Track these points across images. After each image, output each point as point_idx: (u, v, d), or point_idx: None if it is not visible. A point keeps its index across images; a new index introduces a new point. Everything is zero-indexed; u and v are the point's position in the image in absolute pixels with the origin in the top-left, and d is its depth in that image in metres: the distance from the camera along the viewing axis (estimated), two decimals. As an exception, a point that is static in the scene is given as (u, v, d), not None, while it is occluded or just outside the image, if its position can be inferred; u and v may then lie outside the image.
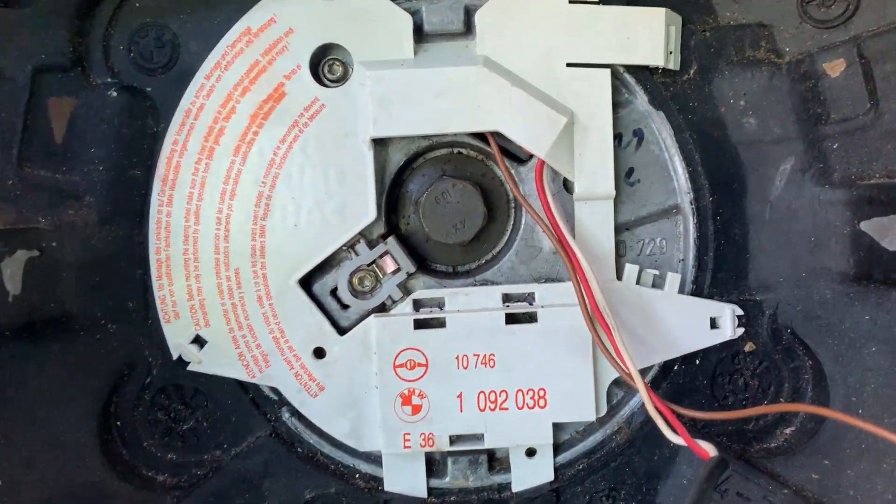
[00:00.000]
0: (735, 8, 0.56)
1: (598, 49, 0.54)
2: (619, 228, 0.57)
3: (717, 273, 0.57)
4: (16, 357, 0.52)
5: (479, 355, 0.55)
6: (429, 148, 0.58)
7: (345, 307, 0.58)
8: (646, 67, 0.55)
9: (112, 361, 0.56)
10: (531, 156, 0.57)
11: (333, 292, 0.58)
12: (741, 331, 0.56)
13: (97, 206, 0.55)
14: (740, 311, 0.56)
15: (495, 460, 0.60)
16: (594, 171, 0.55)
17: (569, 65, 0.54)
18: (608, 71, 0.54)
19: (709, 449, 0.48)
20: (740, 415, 0.53)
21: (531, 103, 0.53)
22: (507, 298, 0.57)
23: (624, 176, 0.57)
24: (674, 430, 0.50)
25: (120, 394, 0.57)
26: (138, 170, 0.55)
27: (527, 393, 0.56)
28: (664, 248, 0.58)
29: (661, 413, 0.51)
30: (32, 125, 0.53)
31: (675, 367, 0.57)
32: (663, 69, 0.55)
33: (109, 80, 0.55)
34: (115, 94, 0.55)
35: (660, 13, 0.54)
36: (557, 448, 0.59)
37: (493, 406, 0.56)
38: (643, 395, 0.51)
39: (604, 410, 0.57)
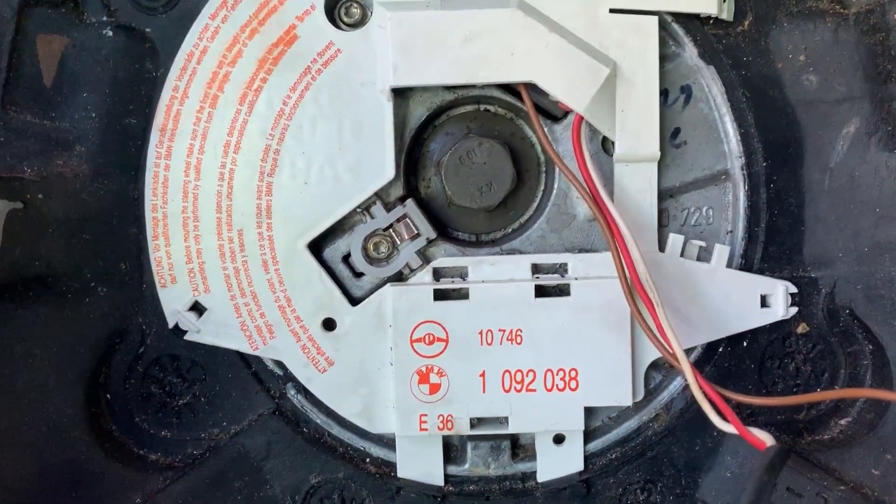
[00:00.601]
0: (797, -47, 0.50)
1: (644, -7, 0.49)
2: (663, 195, 0.52)
3: (769, 246, 0.52)
4: (-4, 320, 0.48)
5: (504, 331, 0.51)
6: (453, 103, 0.53)
7: (358, 275, 0.53)
8: (696, 16, 0.50)
9: (102, 328, 0.52)
10: (567, 113, 0.52)
11: (346, 258, 0.53)
12: (794, 310, 0.51)
13: (88, 156, 0.50)
14: (794, 289, 0.51)
15: (519, 447, 0.55)
16: (637, 130, 0.50)
17: (612, 10, 0.49)
18: (655, 18, 0.49)
19: (765, 438, 0.43)
20: (797, 401, 0.48)
21: (570, 52, 0.48)
22: (536, 269, 0.52)
23: (669, 136, 0.52)
24: (723, 417, 0.45)
25: (110, 364, 0.52)
26: (135, 118, 0.50)
27: (557, 373, 0.51)
28: (711, 217, 0.53)
29: (708, 398, 0.46)
30: (18, 65, 0.48)
31: (721, 349, 0.53)
32: (715, 19, 0.50)
33: (105, 18, 0.50)
34: (110, 33, 0.50)
35: (714, -45, 0.48)
36: (588, 435, 0.54)
37: (518, 387, 0.51)
38: (689, 377, 0.46)
39: (641, 395, 0.52)
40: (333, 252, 0.53)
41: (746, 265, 0.52)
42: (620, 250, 0.48)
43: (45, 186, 0.49)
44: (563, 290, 0.51)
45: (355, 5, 0.50)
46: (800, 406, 0.52)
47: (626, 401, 0.51)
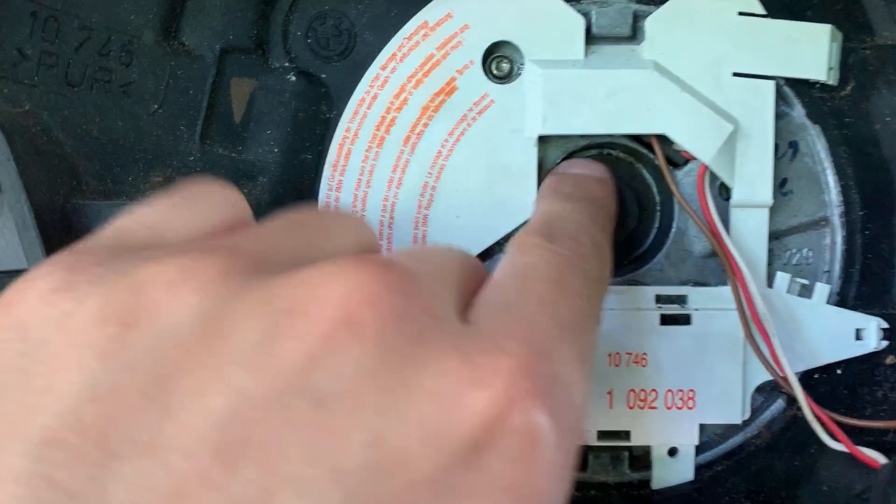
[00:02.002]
0: (894, 28, 0.57)
1: (763, 60, 0.55)
2: (770, 237, 0.58)
3: (863, 286, 0.58)
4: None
5: (631, 354, 0.57)
6: (584, 147, 0.60)
7: (497, 299, 0.59)
8: (805, 81, 0.56)
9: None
10: (687, 161, 0.58)
11: (486, 284, 0.59)
12: (885, 343, 0.57)
13: (269, 186, 0.56)
14: (885, 325, 0.57)
15: (635, 457, 0.61)
16: (753, 180, 0.56)
17: (735, 74, 0.55)
18: (773, 83, 0.55)
19: (877, 457, 0.50)
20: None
21: (699, 109, 0.54)
22: (659, 299, 0.58)
23: (777, 186, 0.58)
24: (833, 437, 0.52)
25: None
26: (310, 154, 0.56)
27: (676, 393, 0.57)
28: (810, 258, 0.59)
29: (818, 419, 0.52)
30: (215, 104, 0.54)
31: (816, 376, 0.59)
32: (822, 84, 0.56)
33: (287, 64, 0.56)
34: (293, 78, 0.56)
35: (825, 29, 0.55)
36: (697, 449, 0.59)
37: (641, 405, 0.57)
38: (801, 401, 0.52)
39: (748, 414, 0.58)
40: (476, 278, 0.59)
41: (841, 302, 0.58)
42: (740, 285, 0.55)
43: (233, 213, 0.55)
44: (683, 320, 0.57)
45: (505, 61, 0.56)
46: (886, 430, 0.58)
47: (737, 419, 0.57)
